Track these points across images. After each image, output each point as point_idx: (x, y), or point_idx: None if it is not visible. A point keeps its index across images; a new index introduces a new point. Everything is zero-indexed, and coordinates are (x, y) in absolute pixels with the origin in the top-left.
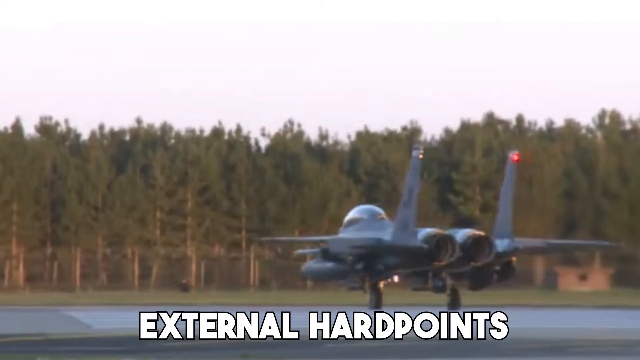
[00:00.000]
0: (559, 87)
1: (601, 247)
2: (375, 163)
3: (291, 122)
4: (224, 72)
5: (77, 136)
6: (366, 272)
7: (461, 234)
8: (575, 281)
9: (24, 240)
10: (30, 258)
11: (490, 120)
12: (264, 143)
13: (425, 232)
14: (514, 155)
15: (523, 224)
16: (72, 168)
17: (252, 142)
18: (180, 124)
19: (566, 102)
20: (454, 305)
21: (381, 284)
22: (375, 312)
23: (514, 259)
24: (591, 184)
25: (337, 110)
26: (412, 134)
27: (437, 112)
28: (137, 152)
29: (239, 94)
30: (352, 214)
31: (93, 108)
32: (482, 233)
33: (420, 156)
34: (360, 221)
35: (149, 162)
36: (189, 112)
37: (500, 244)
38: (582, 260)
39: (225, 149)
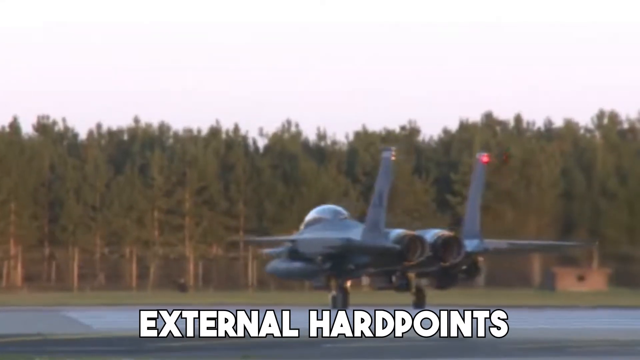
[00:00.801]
0: (558, 87)
1: (571, 247)
2: (373, 163)
3: (289, 122)
4: (222, 71)
5: (75, 135)
6: (335, 272)
7: (431, 234)
8: (574, 281)
9: (21, 240)
10: (29, 258)
11: (489, 120)
12: (261, 143)
13: (395, 232)
14: (483, 157)
15: (521, 223)
16: (69, 168)
17: (250, 141)
18: (178, 124)
19: (564, 102)
20: (419, 304)
21: (348, 284)
22: (339, 310)
23: (480, 258)
24: (589, 183)
25: (336, 110)
26: (410, 134)
27: (435, 112)
28: (135, 152)
29: (237, 93)
30: (313, 214)
31: (91, 107)
32: (451, 233)
33: (393, 157)
34: (323, 221)
35: (146, 162)
36: (187, 112)
37: (470, 244)
38: (580, 260)
39: (223, 148)
